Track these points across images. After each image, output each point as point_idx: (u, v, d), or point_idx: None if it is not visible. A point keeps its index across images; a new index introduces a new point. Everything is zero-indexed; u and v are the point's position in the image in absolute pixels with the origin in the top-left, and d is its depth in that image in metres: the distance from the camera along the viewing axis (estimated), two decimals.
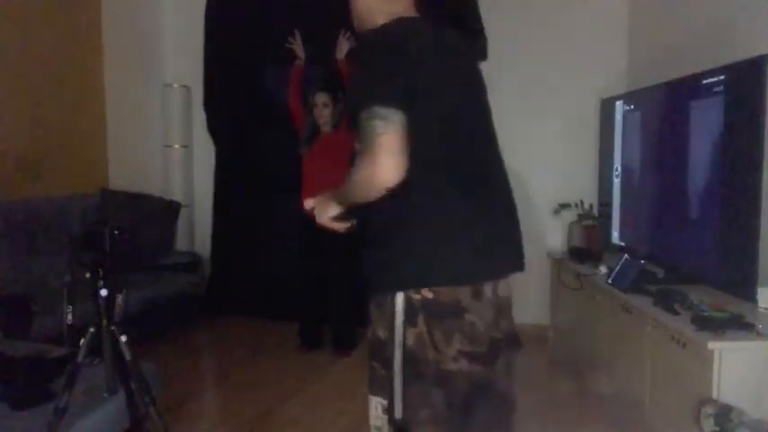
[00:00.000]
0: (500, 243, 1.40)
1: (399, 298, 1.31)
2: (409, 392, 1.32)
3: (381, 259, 1.35)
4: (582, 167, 3.88)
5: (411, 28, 1.37)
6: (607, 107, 3.63)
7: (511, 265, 1.44)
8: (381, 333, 1.35)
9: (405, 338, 1.31)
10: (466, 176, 1.34)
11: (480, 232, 1.34)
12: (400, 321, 1.31)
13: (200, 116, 4.45)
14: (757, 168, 2.21)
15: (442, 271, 1.31)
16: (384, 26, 1.36)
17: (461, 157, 1.34)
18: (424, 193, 1.30)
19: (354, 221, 1.42)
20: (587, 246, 3.59)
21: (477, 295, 1.34)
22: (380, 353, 1.36)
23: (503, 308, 1.42)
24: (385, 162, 1.20)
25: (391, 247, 1.33)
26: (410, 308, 1.30)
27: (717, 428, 1.89)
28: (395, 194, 1.26)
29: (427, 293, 1.29)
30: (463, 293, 1.32)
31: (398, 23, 1.36)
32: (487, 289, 1.36)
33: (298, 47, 3.69)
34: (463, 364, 1.32)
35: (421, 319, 1.30)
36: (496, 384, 1.41)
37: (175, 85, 4.44)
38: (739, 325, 2.06)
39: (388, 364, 1.33)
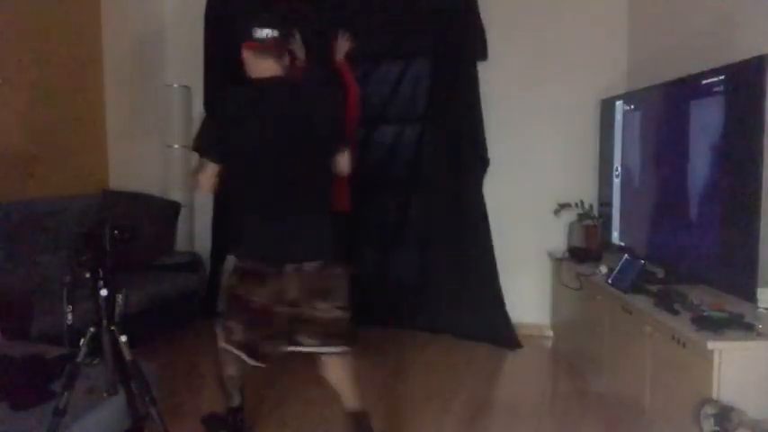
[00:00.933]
0: (286, 238, 2.14)
1: (231, 259, 2.25)
2: (228, 307, 2.30)
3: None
4: (582, 167, 3.88)
5: (240, 94, 2.14)
6: (607, 107, 3.63)
7: (299, 254, 2.15)
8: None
9: (229, 282, 2.26)
10: (258, 191, 2.13)
11: (263, 230, 2.15)
12: (228, 271, 2.27)
13: (200, 116, 4.44)
14: (757, 168, 2.21)
15: (245, 251, 2.20)
16: (224, 91, 2.18)
17: (254, 181, 2.13)
18: (235, 200, 2.21)
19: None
20: (587, 246, 3.60)
21: (278, 269, 2.13)
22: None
23: (307, 276, 2.15)
24: (202, 185, 2.14)
25: (231, 230, 2.26)
26: (235, 267, 2.22)
27: (717, 428, 1.89)
28: (227, 200, 2.29)
29: (245, 262, 2.20)
30: (262, 267, 2.15)
31: (235, 90, 2.16)
32: (289, 266, 2.13)
33: (297, 47, 3.69)
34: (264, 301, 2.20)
35: (237, 275, 2.22)
36: (294, 316, 2.20)
37: (175, 85, 4.43)
38: (739, 325, 2.07)
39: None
